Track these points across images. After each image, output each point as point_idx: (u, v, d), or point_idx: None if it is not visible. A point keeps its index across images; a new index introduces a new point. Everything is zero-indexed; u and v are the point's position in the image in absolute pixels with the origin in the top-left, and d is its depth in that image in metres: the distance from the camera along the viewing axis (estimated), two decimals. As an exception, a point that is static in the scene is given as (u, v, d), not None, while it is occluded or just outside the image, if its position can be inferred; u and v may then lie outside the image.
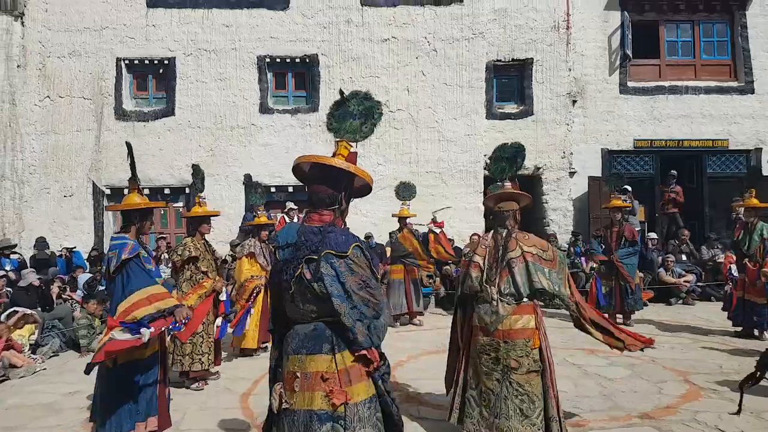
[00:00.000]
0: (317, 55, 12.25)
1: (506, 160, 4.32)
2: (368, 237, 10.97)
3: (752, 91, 13.02)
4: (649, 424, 4.38)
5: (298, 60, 12.37)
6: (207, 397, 5.27)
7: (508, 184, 4.15)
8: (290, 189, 11.93)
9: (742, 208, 7.59)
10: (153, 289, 3.59)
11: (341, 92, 2.59)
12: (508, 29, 12.69)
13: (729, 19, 13.26)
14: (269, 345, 7.00)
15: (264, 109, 12.29)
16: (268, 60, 12.30)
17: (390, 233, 9.27)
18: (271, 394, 2.40)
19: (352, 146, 2.48)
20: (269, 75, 12.46)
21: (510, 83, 13.12)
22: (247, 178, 12.02)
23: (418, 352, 6.93)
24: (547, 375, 3.68)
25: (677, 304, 10.23)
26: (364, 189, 2.60)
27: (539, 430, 3.56)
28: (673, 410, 4.69)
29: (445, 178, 12.25)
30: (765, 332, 7.26)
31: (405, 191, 9.09)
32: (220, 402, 5.09)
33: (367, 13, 12.30)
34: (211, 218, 6.03)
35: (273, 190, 12.20)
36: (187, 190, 12.12)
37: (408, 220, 8.99)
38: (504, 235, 3.83)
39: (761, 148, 13.01)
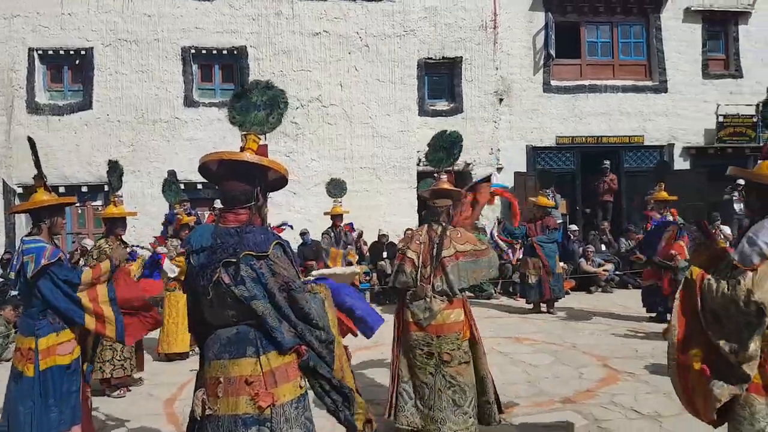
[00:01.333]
0: (246, 47, 11.93)
1: (444, 150, 4.30)
2: (304, 233, 10.80)
3: (665, 90, 13.80)
4: (571, 408, 4.60)
5: (225, 52, 12.00)
6: (129, 405, 5.04)
7: (444, 177, 4.15)
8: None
9: (653, 201, 8.10)
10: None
11: (246, 86, 2.50)
12: (438, 27, 12.86)
13: (645, 21, 13.98)
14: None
15: (189, 102, 11.84)
16: (193, 51, 11.85)
17: (323, 233, 9.17)
18: (194, 400, 2.31)
19: (261, 139, 2.40)
20: (194, 67, 12.01)
21: (441, 81, 13.32)
22: (171, 175, 11.52)
23: (352, 348, 6.90)
24: (480, 363, 3.84)
25: (597, 293, 10.76)
26: (280, 182, 2.51)
27: (470, 417, 3.72)
28: (593, 394, 4.94)
29: (380, 174, 12.29)
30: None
31: (335, 188, 8.99)
32: (142, 409, 4.89)
33: (297, 6, 12.09)
34: (132, 218, 5.73)
35: (199, 187, 11.74)
36: (106, 188, 11.46)
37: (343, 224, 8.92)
38: (439, 232, 3.87)
39: (674, 144, 13.87)
